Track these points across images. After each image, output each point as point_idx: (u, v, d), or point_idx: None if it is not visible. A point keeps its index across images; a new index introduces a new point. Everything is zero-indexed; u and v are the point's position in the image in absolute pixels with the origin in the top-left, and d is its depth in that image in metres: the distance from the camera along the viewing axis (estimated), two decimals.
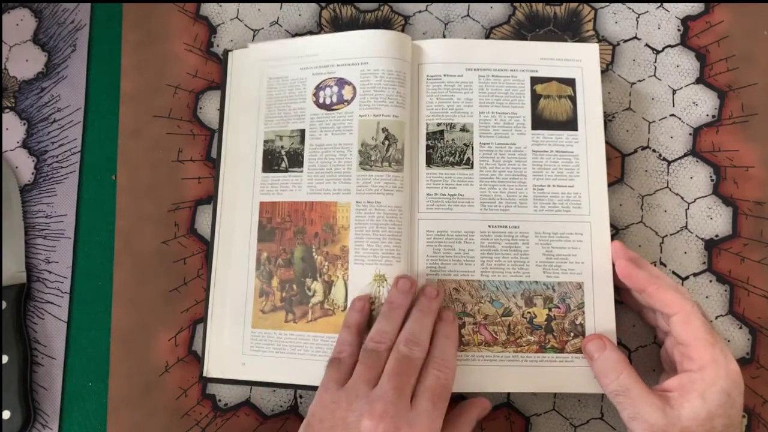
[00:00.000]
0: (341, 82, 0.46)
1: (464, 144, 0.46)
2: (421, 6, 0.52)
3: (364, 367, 0.37)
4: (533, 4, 0.52)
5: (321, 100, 0.47)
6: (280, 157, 0.47)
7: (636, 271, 0.39)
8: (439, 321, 0.41)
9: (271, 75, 0.48)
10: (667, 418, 0.35)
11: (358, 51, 0.46)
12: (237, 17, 0.53)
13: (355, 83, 0.46)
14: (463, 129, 0.46)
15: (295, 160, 0.46)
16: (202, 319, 0.45)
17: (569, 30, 0.51)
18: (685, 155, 0.48)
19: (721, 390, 0.35)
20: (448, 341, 0.39)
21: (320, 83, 0.47)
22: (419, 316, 0.40)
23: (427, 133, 0.46)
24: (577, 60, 0.47)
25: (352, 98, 0.46)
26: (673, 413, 0.35)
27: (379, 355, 0.38)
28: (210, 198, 0.49)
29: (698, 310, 0.38)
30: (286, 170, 0.46)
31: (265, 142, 0.47)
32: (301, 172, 0.46)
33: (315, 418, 0.36)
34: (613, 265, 0.43)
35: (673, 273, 0.46)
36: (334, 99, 0.46)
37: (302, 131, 0.47)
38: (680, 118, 0.49)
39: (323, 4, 0.53)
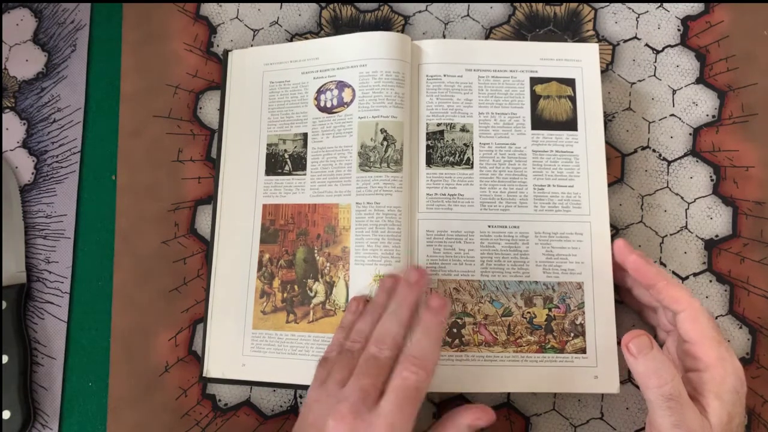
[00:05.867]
0: (341, 85, 0.46)
1: (464, 144, 0.46)
2: (421, 6, 0.52)
3: (339, 366, 0.37)
4: (533, 4, 0.52)
5: (322, 104, 0.47)
6: (283, 161, 0.47)
7: (647, 266, 0.39)
8: (425, 309, 0.38)
9: (273, 79, 0.49)
10: (704, 428, 0.34)
11: (357, 53, 0.46)
12: (237, 17, 0.53)
13: (355, 86, 0.46)
14: (463, 129, 0.46)
15: (299, 163, 0.46)
16: (202, 319, 0.45)
17: (569, 30, 0.51)
18: (685, 155, 0.48)
19: (732, 388, 0.35)
20: (427, 337, 0.36)
21: (321, 87, 0.47)
22: (393, 308, 0.38)
23: (427, 133, 0.46)
24: (576, 60, 0.47)
25: (352, 101, 0.46)
26: (705, 422, 0.35)
27: (353, 355, 0.37)
28: (210, 198, 0.49)
29: (705, 308, 0.38)
30: (289, 173, 0.47)
31: (268, 145, 0.47)
32: (304, 174, 0.46)
33: (302, 416, 0.37)
34: (613, 265, 0.43)
35: (673, 273, 0.46)
36: (335, 102, 0.47)
37: (305, 135, 0.47)
38: (680, 118, 0.49)
39: (323, 4, 0.53)
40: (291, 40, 0.52)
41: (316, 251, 0.45)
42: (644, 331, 0.36)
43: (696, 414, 0.35)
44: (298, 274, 0.45)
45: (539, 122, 0.46)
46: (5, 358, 0.45)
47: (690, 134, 0.48)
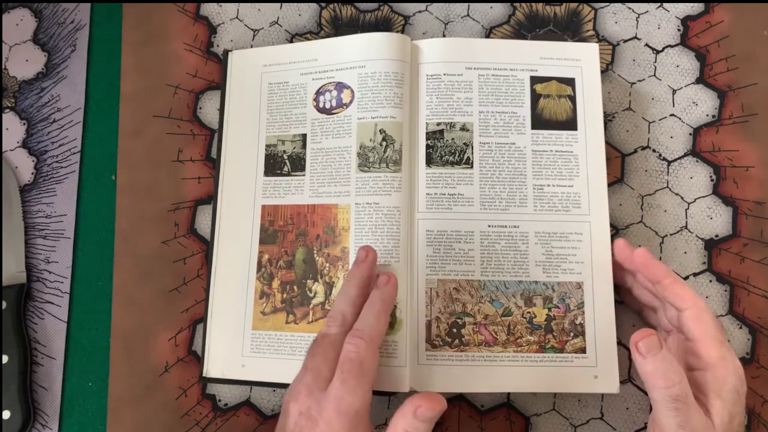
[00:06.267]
0: (340, 86, 0.46)
1: (464, 143, 0.46)
2: (421, 6, 0.52)
3: (308, 351, 0.38)
4: (533, 4, 0.52)
5: (321, 105, 0.47)
6: (282, 161, 0.47)
7: (655, 261, 0.39)
8: (373, 287, 0.40)
9: (272, 80, 0.49)
10: (707, 429, 0.34)
11: (356, 54, 0.46)
12: (237, 17, 0.53)
13: (353, 87, 0.46)
14: (463, 128, 0.46)
15: (298, 164, 0.46)
16: (202, 319, 0.45)
17: (569, 30, 0.51)
18: (685, 155, 0.48)
19: (732, 388, 0.35)
20: (370, 309, 0.38)
21: (320, 88, 0.47)
22: (343, 287, 0.40)
23: (427, 133, 0.46)
24: (576, 60, 0.47)
25: (351, 102, 0.46)
26: (709, 423, 0.35)
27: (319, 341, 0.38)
28: (210, 198, 0.49)
29: (709, 308, 0.38)
30: (288, 174, 0.47)
31: (267, 146, 0.47)
32: (304, 175, 0.46)
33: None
34: (613, 265, 0.43)
35: None
36: (334, 103, 0.47)
37: (304, 136, 0.47)
38: (680, 118, 0.49)
39: (323, 4, 0.53)
40: (291, 41, 0.52)
41: (315, 252, 0.45)
42: (654, 331, 0.35)
43: (701, 415, 0.34)
44: (298, 275, 0.45)
45: (539, 122, 0.46)
46: (5, 358, 0.45)
47: (690, 134, 0.48)
